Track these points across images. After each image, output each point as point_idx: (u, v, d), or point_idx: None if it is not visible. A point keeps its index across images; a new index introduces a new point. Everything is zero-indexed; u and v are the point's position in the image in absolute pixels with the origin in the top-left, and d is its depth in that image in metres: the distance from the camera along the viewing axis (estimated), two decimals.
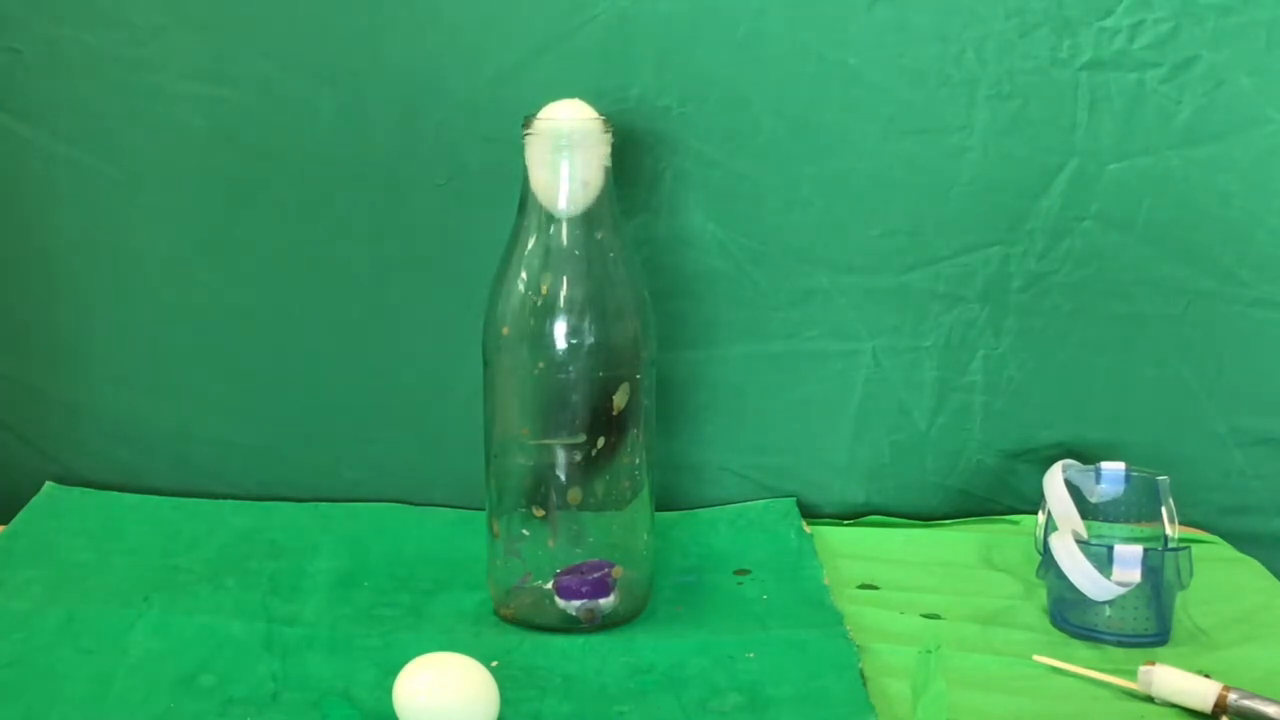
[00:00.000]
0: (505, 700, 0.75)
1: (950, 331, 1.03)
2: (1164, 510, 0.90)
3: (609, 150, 0.84)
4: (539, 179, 0.83)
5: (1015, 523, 1.03)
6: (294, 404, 1.05)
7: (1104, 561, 0.83)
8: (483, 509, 0.88)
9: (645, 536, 0.88)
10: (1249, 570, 0.96)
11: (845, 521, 1.03)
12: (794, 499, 1.04)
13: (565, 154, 0.83)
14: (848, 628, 0.85)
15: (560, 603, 0.85)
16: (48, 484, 1.04)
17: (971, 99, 0.99)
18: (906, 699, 0.78)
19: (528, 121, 0.84)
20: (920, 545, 1.00)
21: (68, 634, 0.83)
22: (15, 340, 1.04)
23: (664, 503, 0.91)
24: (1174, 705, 0.77)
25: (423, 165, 1.00)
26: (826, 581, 0.92)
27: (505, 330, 0.84)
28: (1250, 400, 1.03)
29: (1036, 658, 0.82)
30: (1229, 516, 1.03)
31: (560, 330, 0.83)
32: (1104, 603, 0.85)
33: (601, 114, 0.84)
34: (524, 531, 0.86)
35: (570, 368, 0.83)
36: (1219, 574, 0.93)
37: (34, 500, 1.02)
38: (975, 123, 0.99)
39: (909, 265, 1.02)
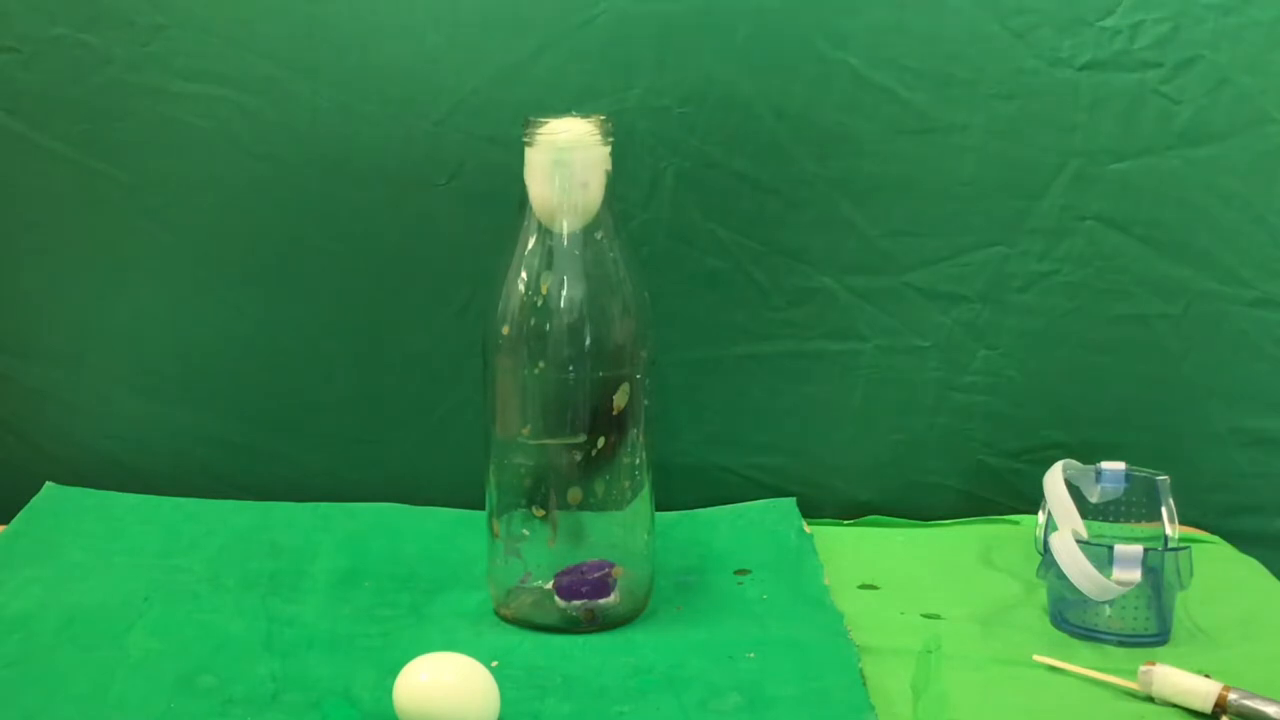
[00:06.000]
0: (505, 700, 0.75)
1: (950, 331, 1.03)
2: (1164, 510, 0.90)
3: (608, 153, 0.84)
4: (537, 195, 0.83)
5: (1015, 523, 1.03)
6: (294, 404, 1.05)
7: (1104, 561, 0.83)
8: (483, 509, 0.88)
9: (645, 536, 0.88)
10: (1249, 570, 0.96)
11: (845, 521, 1.03)
12: (794, 499, 1.04)
13: (563, 175, 0.82)
14: (848, 628, 0.85)
15: (560, 603, 0.85)
16: (48, 484, 1.04)
17: (971, 99, 0.99)
18: (906, 699, 0.78)
19: (528, 124, 0.83)
20: (920, 545, 1.00)
21: (68, 634, 0.83)
22: (15, 340, 1.04)
23: (664, 503, 0.91)
24: (1174, 705, 0.77)
25: (423, 165, 1.00)
26: (826, 581, 0.92)
27: (505, 330, 0.84)
28: (1250, 400, 1.03)
29: (1036, 658, 0.82)
30: (1229, 516, 1.03)
31: (560, 330, 0.83)
32: (1104, 603, 0.85)
33: (601, 115, 0.84)
34: (524, 531, 0.86)
35: (570, 368, 0.83)
36: (1219, 574, 0.93)
37: (34, 500, 1.02)
38: (975, 123, 1.00)
39: (909, 265, 1.02)
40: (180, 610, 0.87)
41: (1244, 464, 1.04)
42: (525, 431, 0.84)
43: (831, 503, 1.05)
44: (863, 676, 0.79)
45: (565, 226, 0.83)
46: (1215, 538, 1.01)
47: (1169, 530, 0.90)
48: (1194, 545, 0.86)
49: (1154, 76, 0.98)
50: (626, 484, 0.86)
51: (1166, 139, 0.99)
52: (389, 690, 0.74)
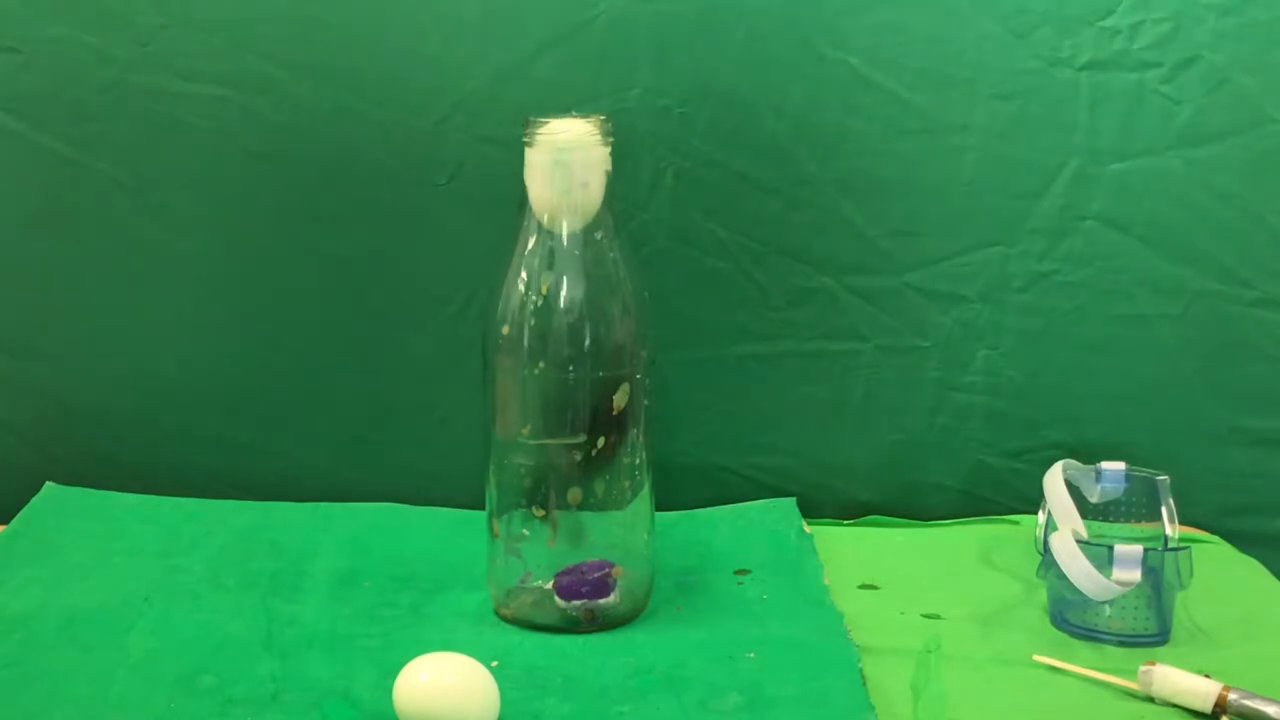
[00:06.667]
0: (505, 700, 0.75)
1: (950, 331, 1.03)
2: (1164, 510, 0.90)
3: (608, 153, 0.84)
4: (537, 195, 0.83)
5: (1015, 523, 1.03)
6: (294, 404, 1.05)
7: (1104, 561, 0.83)
8: (483, 509, 0.88)
9: (645, 536, 0.88)
10: (1249, 570, 0.96)
11: (845, 521, 1.03)
12: (794, 499, 1.04)
13: (563, 175, 0.82)
14: (848, 628, 0.85)
15: (560, 603, 0.85)
16: (48, 484, 1.04)
17: (971, 99, 0.99)
18: (906, 699, 0.78)
19: (528, 124, 0.83)
20: (920, 545, 1.00)
21: (68, 634, 0.83)
22: (15, 340, 1.04)
23: (664, 503, 0.91)
24: (1174, 705, 0.77)
25: (423, 165, 1.00)
26: (826, 581, 0.92)
27: (505, 330, 0.84)
28: (1250, 400, 1.03)
29: (1036, 658, 0.82)
30: (1229, 516, 1.03)
31: (560, 330, 0.83)
32: (1104, 603, 0.85)
33: (601, 115, 0.84)
34: (524, 531, 0.86)
35: (570, 368, 0.83)
36: (1219, 574, 0.93)
37: (34, 500, 1.02)
38: (975, 123, 1.00)
39: (909, 265, 1.02)
40: (180, 610, 0.87)
41: (1244, 464, 1.03)
42: (525, 431, 0.84)
43: (831, 503, 1.05)
44: (863, 676, 0.79)
45: (565, 226, 0.83)
46: (1215, 538, 1.01)
47: (1169, 530, 0.90)
48: (1194, 545, 0.86)
49: (1154, 76, 0.98)
50: (626, 484, 0.86)
51: (1166, 139, 0.99)
52: (389, 690, 0.73)
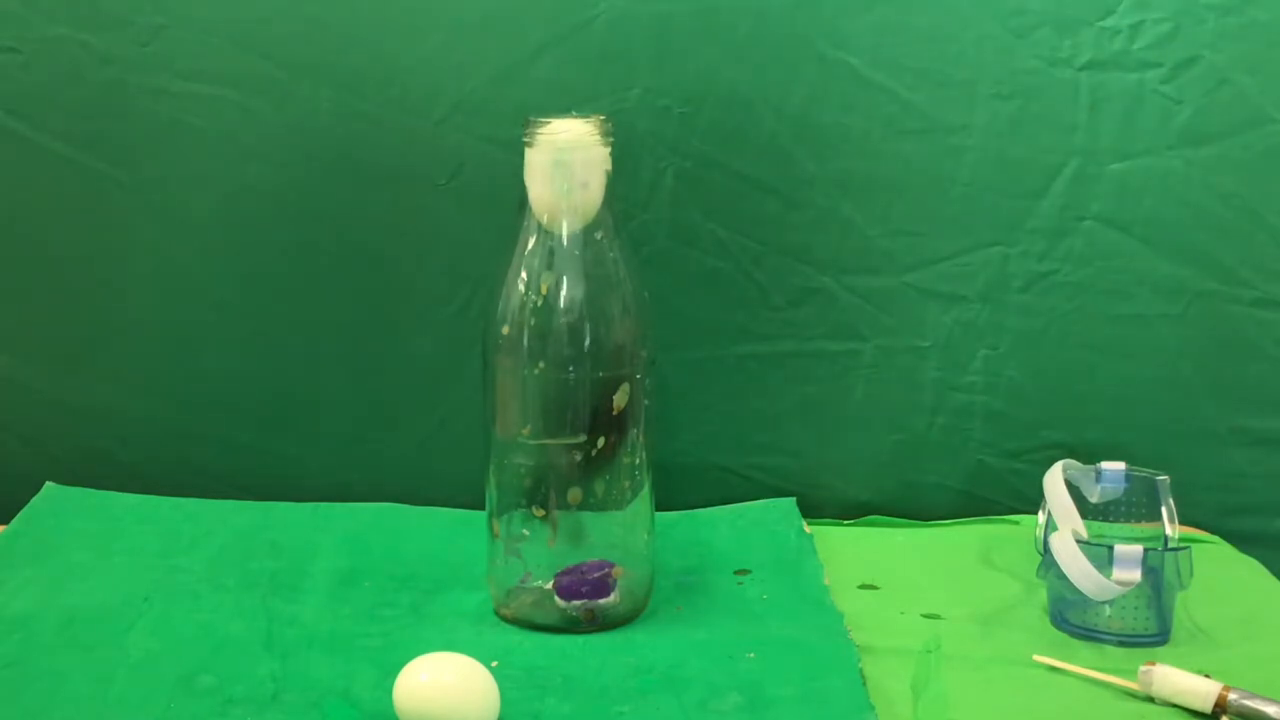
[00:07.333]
0: (505, 700, 0.75)
1: (950, 331, 1.03)
2: (1164, 510, 0.90)
3: (609, 153, 0.84)
4: (537, 195, 0.83)
5: (1015, 523, 1.03)
6: (294, 404, 1.05)
7: (1104, 561, 0.83)
8: (483, 509, 0.88)
9: (645, 536, 0.88)
10: (1249, 570, 0.96)
11: (845, 521, 1.03)
12: (794, 499, 1.04)
13: (563, 175, 0.82)
14: (848, 628, 0.85)
15: (560, 603, 0.85)
16: (48, 484, 1.04)
17: (971, 99, 0.99)
18: (906, 699, 0.78)
19: (528, 124, 0.83)
20: (920, 545, 1.00)
21: (68, 634, 0.83)
22: (15, 340, 1.04)
23: (664, 503, 0.91)
24: (1174, 705, 0.77)
25: (423, 165, 1.00)
26: (826, 581, 0.92)
27: (505, 330, 0.84)
28: (1250, 400, 1.03)
29: (1036, 658, 0.82)
30: (1229, 516, 1.03)
31: (560, 330, 0.83)
32: (1104, 603, 0.85)
33: (601, 115, 0.84)
34: (524, 531, 0.86)
35: (570, 368, 0.83)
36: (1219, 574, 0.93)
37: (34, 500, 1.02)
38: (975, 123, 1.00)
39: (909, 265, 1.02)
40: (180, 610, 0.87)
41: (1244, 464, 1.03)
42: (525, 431, 0.84)
43: (831, 503, 1.05)
44: (863, 676, 0.79)
45: (565, 226, 0.83)
46: (1215, 538, 1.01)
47: (1169, 530, 0.90)
48: (1194, 545, 0.86)
49: (1154, 76, 0.98)
50: (626, 484, 0.86)
51: (1166, 139, 0.99)
52: (389, 690, 0.74)
